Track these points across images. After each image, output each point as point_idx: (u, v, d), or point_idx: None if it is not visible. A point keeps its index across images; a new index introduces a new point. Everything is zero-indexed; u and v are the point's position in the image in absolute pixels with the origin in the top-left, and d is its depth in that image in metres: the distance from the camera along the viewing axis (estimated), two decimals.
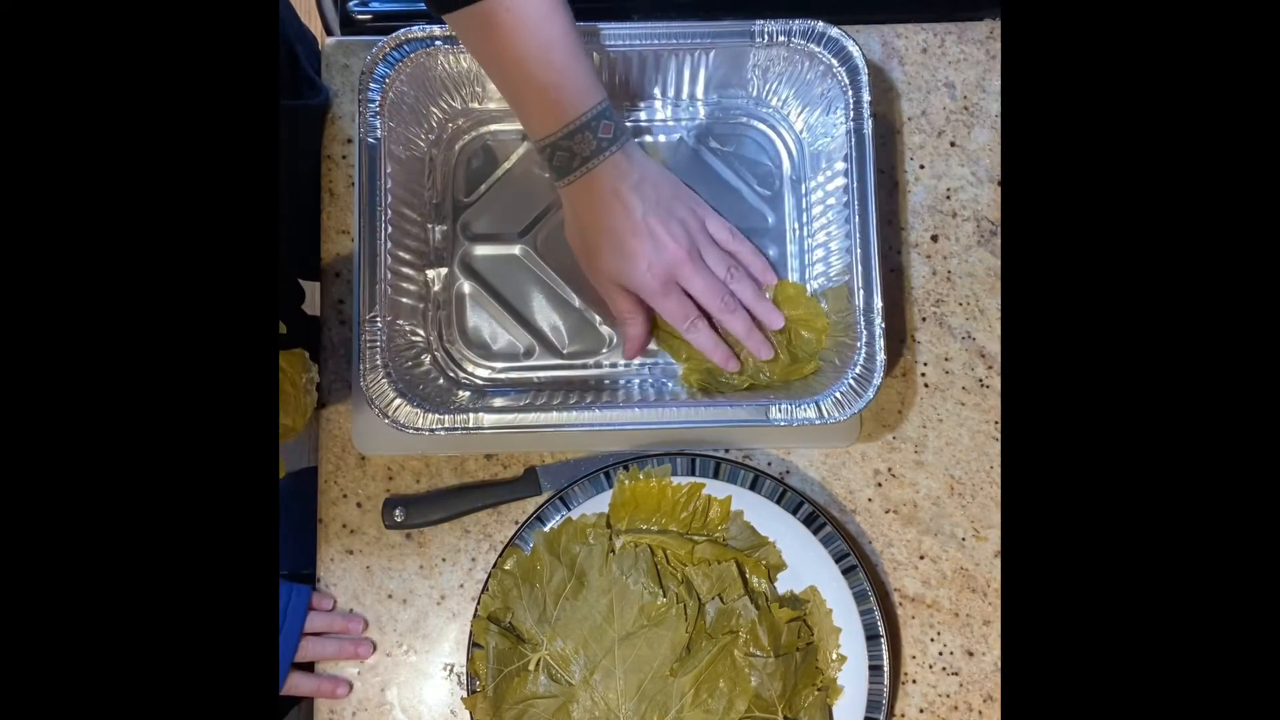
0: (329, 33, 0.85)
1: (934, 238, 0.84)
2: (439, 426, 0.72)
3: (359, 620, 0.79)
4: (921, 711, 0.78)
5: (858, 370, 0.73)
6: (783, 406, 0.72)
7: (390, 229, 0.75)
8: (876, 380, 0.72)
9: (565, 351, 0.81)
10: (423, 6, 0.83)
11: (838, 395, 0.73)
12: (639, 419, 0.73)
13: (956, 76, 0.86)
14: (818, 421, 0.72)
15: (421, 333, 0.79)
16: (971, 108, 0.85)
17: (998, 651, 0.78)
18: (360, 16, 0.86)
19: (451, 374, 0.80)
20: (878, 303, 0.73)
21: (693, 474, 0.76)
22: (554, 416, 0.73)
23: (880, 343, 0.73)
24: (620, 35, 0.77)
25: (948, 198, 0.84)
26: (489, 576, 0.75)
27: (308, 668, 0.79)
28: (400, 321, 0.77)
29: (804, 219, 0.82)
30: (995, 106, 0.85)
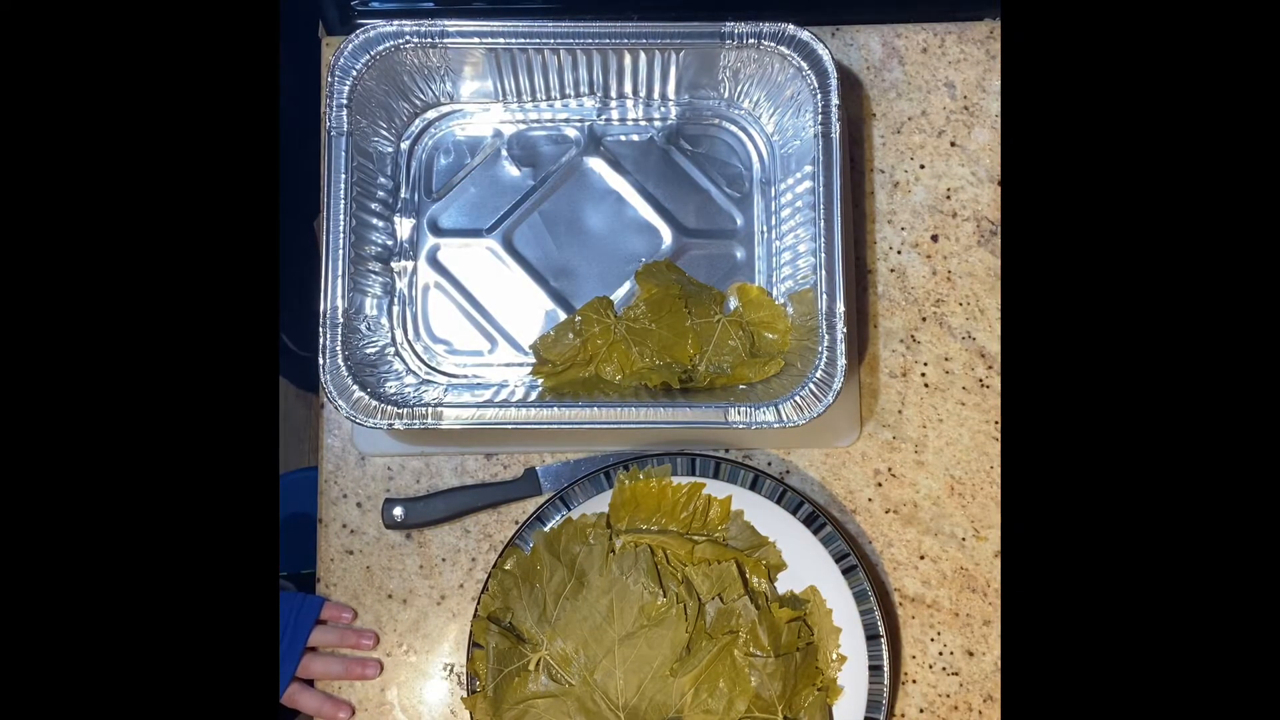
0: (330, 31, 0.85)
1: (934, 238, 0.84)
2: (397, 420, 0.72)
3: (371, 635, 0.78)
4: (921, 711, 0.78)
5: (818, 375, 0.72)
6: (743, 409, 0.72)
7: (355, 222, 0.75)
8: (837, 385, 0.72)
9: (529, 347, 0.80)
10: (424, 4, 0.83)
11: (798, 399, 0.72)
12: (595, 418, 0.72)
13: (956, 76, 0.86)
14: (776, 425, 0.71)
15: (386, 326, 0.79)
16: (971, 108, 0.85)
17: (998, 651, 0.78)
18: (362, 14, 0.85)
19: (416, 369, 0.80)
20: (840, 307, 0.73)
21: (693, 474, 0.76)
22: (513, 414, 0.72)
23: (841, 348, 0.72)
24: (591, 33, 0.77)
25: (948, 198, 0.84)
26: (489, 576, 0.75)
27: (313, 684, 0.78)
28: (365, 315, 0.77)
29: (772, 222, 0.81)
30: (995, 106, 0.85)
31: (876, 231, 0.84)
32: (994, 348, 0.82)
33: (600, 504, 0.76)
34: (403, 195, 0.82)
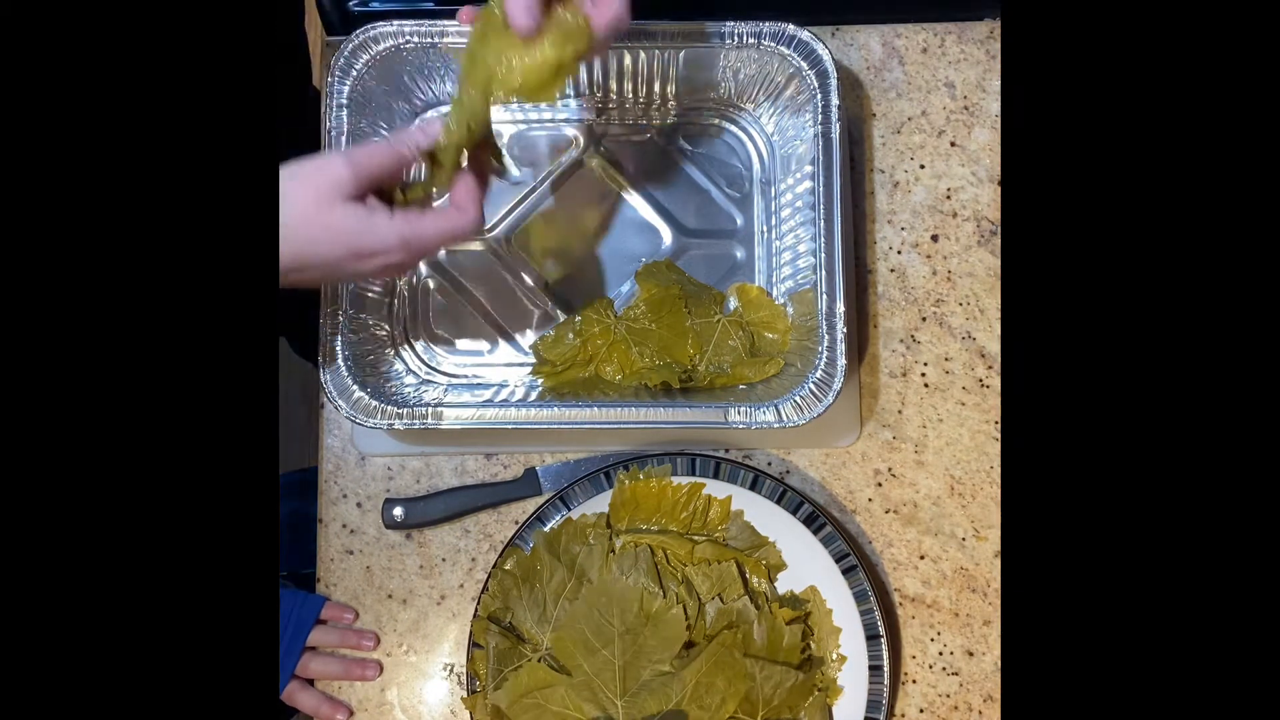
0: (330, 31, 0.85)
1: (934, 238, 0.84)
2: (397, 420, 0.72)
3: (371, 636, 0.78)
4: (921, 711, 0.78)
5: (818, 375, 0.72)
6: (743, 409, 0.72)
7: None
8: (837, 385, 0.72)
9: (529, 347, 0.80)
10: (424, 4, 0.83)
11: (797, 399, 0.72)
12: (595, 418, 0.72)
13: (956, 76, 0.86)
14: (776, 425, 0.71)
15: (386, 327, 0.79)
16: (971, 108, 0.85)
17: (998, 651, 0.78)
18: (362, 14, 0.85)
19: (416, 369, 0.80)
20: (840, 307, 0.73)
21: (693, 474, 0.76)
22: (513, 413, 0.72)
23: (841, 348, 0.72)
24: None
25: (948, 198, 0.84)
26: (489, 576, 0.75)
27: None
28: (364, 315, 0.77)
29: (773, 222, 0.81)
30: (995, 106, 0.85)
31: (876, 231, 0.84)
32: (994, 348, 0.82)
33: (600, 504, 0.76)
34: None
